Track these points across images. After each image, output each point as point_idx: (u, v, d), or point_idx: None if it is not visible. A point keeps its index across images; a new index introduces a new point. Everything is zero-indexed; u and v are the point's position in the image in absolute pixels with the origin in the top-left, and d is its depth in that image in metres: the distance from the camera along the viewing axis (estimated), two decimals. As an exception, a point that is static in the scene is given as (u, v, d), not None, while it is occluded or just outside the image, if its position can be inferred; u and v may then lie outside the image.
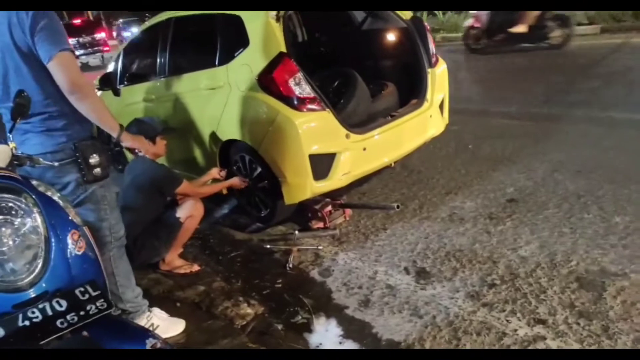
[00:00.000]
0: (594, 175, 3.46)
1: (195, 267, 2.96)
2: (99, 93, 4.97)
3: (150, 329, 2.22)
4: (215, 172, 3.34)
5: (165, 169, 3.07)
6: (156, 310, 2.38)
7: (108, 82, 4.58)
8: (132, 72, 4.49)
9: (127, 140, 2.10)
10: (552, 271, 2.50)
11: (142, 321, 2.26)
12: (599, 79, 5.78)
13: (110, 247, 2.10)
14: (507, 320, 2.21)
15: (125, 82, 4.46)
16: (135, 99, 4.21)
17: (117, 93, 4.53)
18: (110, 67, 4.76)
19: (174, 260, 2.97)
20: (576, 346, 2.00)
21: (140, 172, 2.89)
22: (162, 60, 3.90)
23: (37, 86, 1.81)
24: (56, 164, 1.81)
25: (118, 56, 4.68)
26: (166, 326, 2.33)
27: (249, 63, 3.05)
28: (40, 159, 1.63)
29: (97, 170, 1.92)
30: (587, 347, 1.98)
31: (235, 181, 3.30)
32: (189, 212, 2.87)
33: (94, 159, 1.90)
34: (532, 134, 4.44)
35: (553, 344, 2.02)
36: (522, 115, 4.98)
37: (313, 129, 2.92)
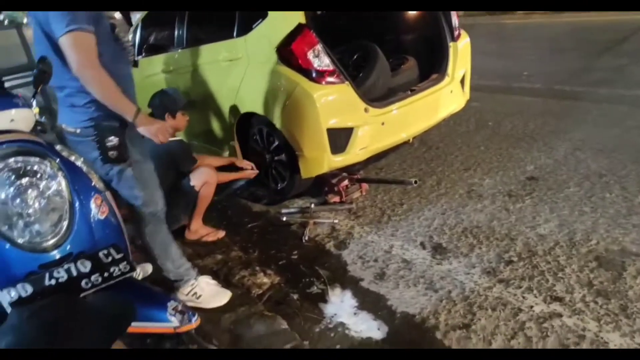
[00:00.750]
0: (617, 154, 3.38)
1: (221, 233, 3.03)
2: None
3: (194, 298, 2.27)
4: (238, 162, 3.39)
5: (183, 144, 3.09)
6: (203, 280, 2.39)
7: (127, 54, 4.59)
8: (150, 43, 4.48)
9: (143, 125, 1.89)
10: (571, 250, 2.48)
11: (186, 289, 2.30)
12: (625, 57, 5.60)
13: (145, 222, 2.13)
14: (524, 297, 2.21)
15: (144, 54, 4.46)
16: (154, 70, 4.22)
17: (135, 64, 4.54)
18: (129, 38, 4.75)
19: (200, 229, 3.02)
20: (593, 324, 1.98)
21: (156, 145, 2.92)
22: (180, 31, 3.88)
23: (60, 61, 1.78)
24: (78, 131, 1.82)
25: (136, 27, 4.67)
26: (209, 297, 2.35)
27: (267, 34, 3.02)
28: (63, 126, 1.65)
29: (114, 152, 1.86)
30: (604, 326, 1.97)
31: (247, 173, 3.33)
32: (203, 180, 2.90)
33: (110, 142, 1.84)
34: (554, 112, 4.35)
35: (569, 322, 2.01)
36: (545, 93, 4.87)
37: (331, 102, 2.90)
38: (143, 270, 2.53)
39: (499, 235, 2.70)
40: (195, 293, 2.32)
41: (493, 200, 3.07)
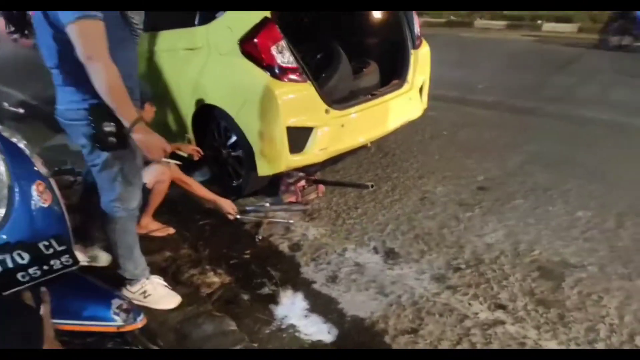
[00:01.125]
0: (562, 169, 3.56)
1: (171, 230, 2.91)
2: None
3: (142, 297, 2.18)
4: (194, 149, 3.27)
5: None
6: (155, 280, 2.30)
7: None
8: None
9: (140, 135, 1.70)
10: (515, 259, 2.58)
11: (136, 287, 2.21)
12: (575, 76, 5.92)
13: (116, 219, 2.02)
14: (469, 304, 2.27)
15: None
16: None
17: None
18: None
19: (150, 224, 2.89)
20: (533, 332, 2.07)
21: None
22: (144, 16, 3.71)
23: (59, 43, 1.67)
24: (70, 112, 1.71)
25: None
26: (158, 298, 2.26)
27: (230, 25, 2.94)
28: (6, 106, 1.53)
29: (112, 139, 1.69)
30: (543, 334, 2.06)
31: (225, 205, 3.06)
32: (155, 178, 2.79)
33: (109, 127, 1.68)
34: (507, 125, 4.53)
35: (512, 329, 2.09)
36: (499, 106, 5.06)
37: (292, 100, 2.86)
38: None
39: (448, 242, 2.77)
40: (145, 292, 2.22)
41: (444, 208, 3.14)
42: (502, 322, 2.14)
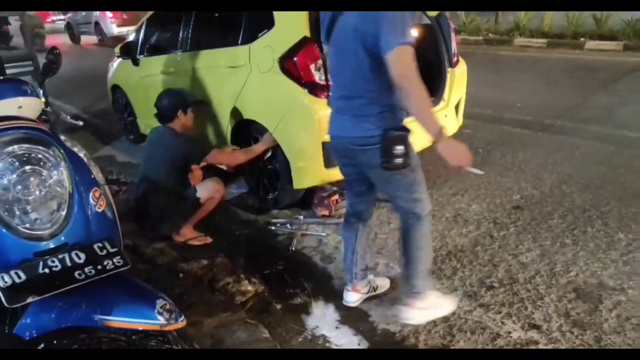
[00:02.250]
0: (602, 191, 3.47)
1: (209, 239, 3.04)
2: (117, 61, 5.03)
3: (432, 310, 2.23)
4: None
5: (198, 147, 3.12)
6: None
7: (128, 51, 4.63)
8: (153, 43, 4.51)
9: (445, 145, 1.80)
10: (550, 279, 2.54)
11: (426, 300, 2.21)
12: (616, 96, 5.77)
13: (421, 223, 2.16)
14: (502, 322, 2.25)
15: (145, 53, 4.49)
16: (154, 70, 4.24)
17: (136, 63, 4.57)
18: (132, 37, 4.78)
19: (188, 233, 3.02)
20: (568, 353, 2.03)
21: (171, 147, 2.97)
22: (185, 34, 3.92)
23: (367, 73, 1.86)
24: (366, 139, 1.92)
25: (140, 26, 4.70)
26: (442, 303, 2.30)
27: (271, 44, 3.07)
28: (68, 118, 1.66)
29: (400, 160, 1.86)
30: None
31: (268, 141, 3.17)
32: (209, 194, 2.93)
33: (398, 150, 1.84)
34: (543, 145, 4.45)
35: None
36: (536, 125, 4.98)
37: (329, 116, 2.93)
38: (380, 285, 2.52)
39: (482, 260, 2.75)
40: (435, 304, 2.25)
41: (478, 226, 3.13)
42: (536, 342, 2.11)
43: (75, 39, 17.17)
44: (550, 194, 3.50)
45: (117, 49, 4.90)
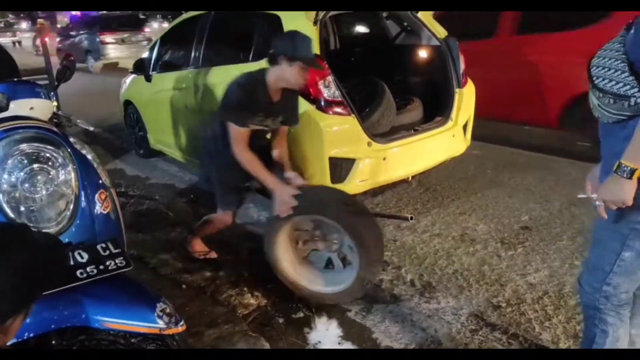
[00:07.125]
0: (611, 213, 3.43)
1: (213, 255, 2.99)
2: (131, 77, 5.13)
3: None
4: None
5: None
6: None
7: (141, 68, 4.73)
8: (165, 60, 4.60)
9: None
10: (559, 300, 2.49)
11: None
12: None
13: None
14: (509, 343, 2.21)
15: (158, 69, 4.58)
16: (166, 86, 4.32)
17: (148, 79, 4.66)
18: (146, 54, 4.89)
19: (196, 245, 2.99)
20: (576, 376, 1.98)
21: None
22: (198, 51, 4.00)
23: None
24: None
25: (154, 43, 4.81)
26: None
27: (282, 61, 3.12)
28: (78, 121, 1.69)
29: None
30: None
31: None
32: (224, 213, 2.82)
33: None
34: (553, 167, 4.42)
35: (553, 371, 2.01)
36: (545, 149, 4.96)
37: (336, 132, 2.97)
38: None
39: (489, 279, 2.71)
40: None
41: (485, 246, 3.09)
42: (543, 364, 2.06)
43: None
44: (560, 216, 3.46)
45: (130, 66, 5.01)
